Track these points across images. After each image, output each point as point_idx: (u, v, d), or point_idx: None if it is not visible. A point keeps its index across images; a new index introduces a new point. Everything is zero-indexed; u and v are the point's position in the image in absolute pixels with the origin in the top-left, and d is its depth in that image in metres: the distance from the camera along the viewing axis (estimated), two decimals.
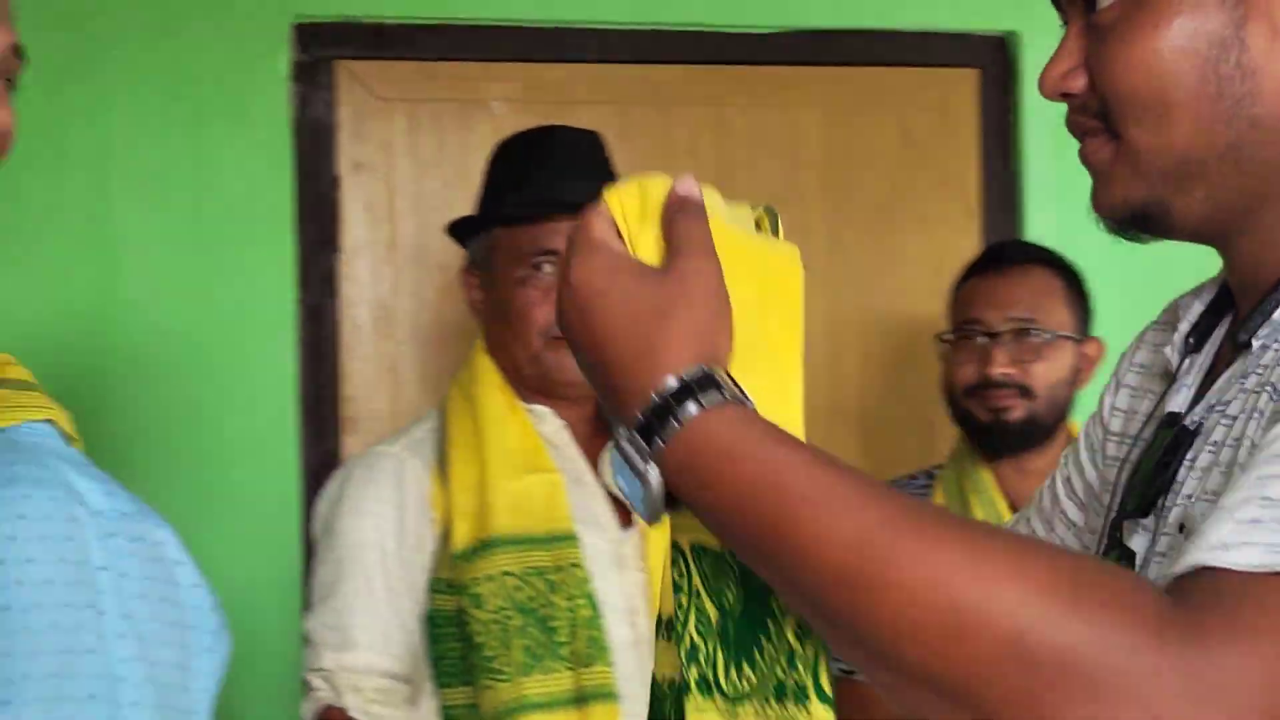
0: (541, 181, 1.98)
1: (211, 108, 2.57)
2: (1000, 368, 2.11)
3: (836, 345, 2.81)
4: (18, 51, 1.04)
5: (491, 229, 2.00)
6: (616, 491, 1.81)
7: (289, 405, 2.62)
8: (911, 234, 2.82)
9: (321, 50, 2.63)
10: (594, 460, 1.99)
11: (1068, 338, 2.15)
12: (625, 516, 1.97)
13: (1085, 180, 2.67)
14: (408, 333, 2.70)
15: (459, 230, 2.09)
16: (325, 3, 2.62)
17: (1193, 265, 2.65)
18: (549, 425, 1.99)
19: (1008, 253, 2.29)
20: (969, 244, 2.80)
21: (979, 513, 2.14)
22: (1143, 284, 2.79)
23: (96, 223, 2.56)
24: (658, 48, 2.71)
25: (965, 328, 2.17)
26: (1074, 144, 2.61)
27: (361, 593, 1.89)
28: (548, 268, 1.94)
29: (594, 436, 2.01)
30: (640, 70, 2.73)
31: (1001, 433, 2.13)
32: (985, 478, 2.17)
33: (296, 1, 2.60)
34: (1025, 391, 2.12)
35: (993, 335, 2.13)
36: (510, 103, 2.70)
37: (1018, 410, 2.12)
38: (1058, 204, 2.80)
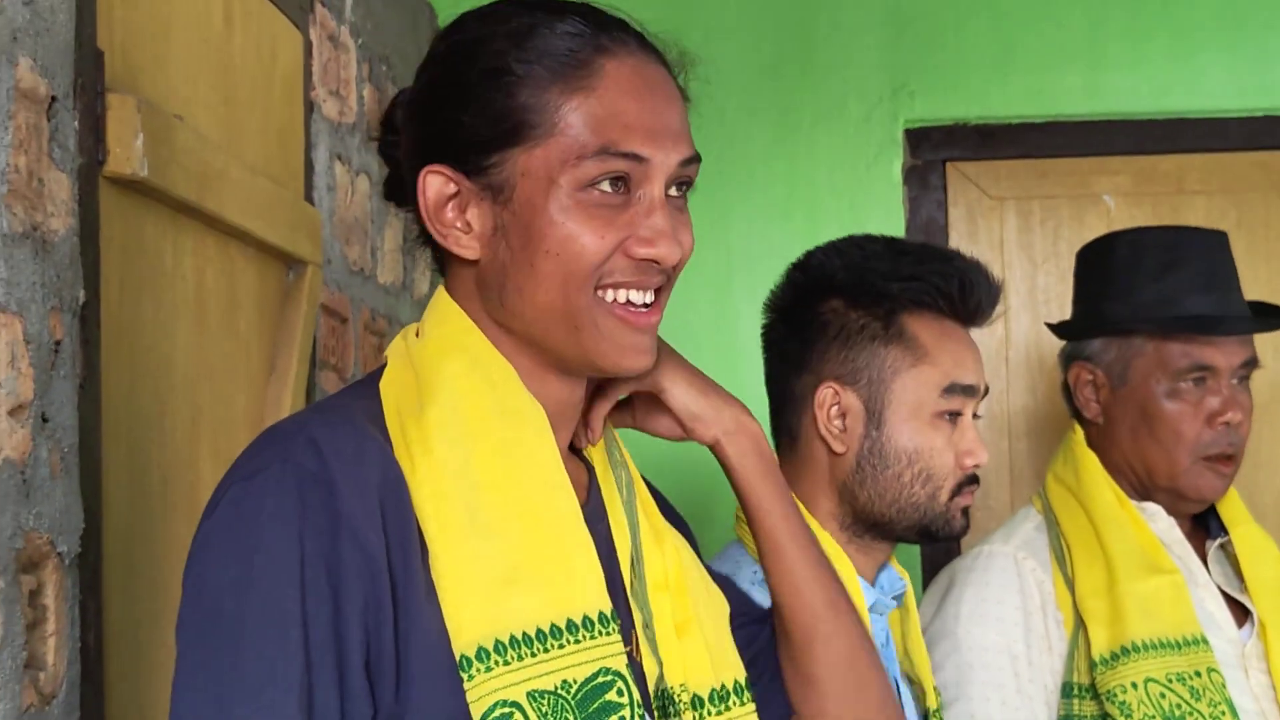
0: (1194, 294, 2.39)
1: (827, 213, 3.29)
2: None
3: None
4: (691, 160, 1.35)
5: (1131, 335, 2.41)
6: (1229, 589, 2.34)
7: None
8: None
9: (932, 153, 3.34)
10: (1203, 558, 2.42)
11: None
12: (1241, 616, 2.39)
13: None
14: (1023, 428, 3.35)
15: (1077, 328, 2.52)
16: (935, 107, 3.32)
17: None
18: (1161, 523, 2.41)
19: None
20: None
21: None
22: None
23: (719, 331, 3.30)
24: (1274, 134, 3.30)
25: None
26: None
27: (993, 699, 2.29)
28: (1199, 381, 2.36)
29: (1195, 534, 2.45)
30: (1256, 157, 3.32)
31: None
32: None
33: (907, 107, 3.30)
34: None
35: None
36: (1122, 196, 3.37)
37: None
38: None
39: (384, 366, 1.36)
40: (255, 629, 1.18)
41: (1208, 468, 2.38)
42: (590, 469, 1.45)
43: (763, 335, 2.07)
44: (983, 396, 1.99)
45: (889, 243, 2.02)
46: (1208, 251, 2.46)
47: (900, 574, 2.04)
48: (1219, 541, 2.46)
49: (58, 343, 1.47)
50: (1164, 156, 3.34)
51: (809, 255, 2.03)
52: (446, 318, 1.35)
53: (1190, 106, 3.31)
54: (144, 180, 1.62)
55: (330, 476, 1.21)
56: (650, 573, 1.42)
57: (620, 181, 1.31)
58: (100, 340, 1.56)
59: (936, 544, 2.02)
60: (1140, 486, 2.42)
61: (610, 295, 1.32)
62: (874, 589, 1.95)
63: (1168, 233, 2.57)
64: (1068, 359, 2.51)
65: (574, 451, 1.45)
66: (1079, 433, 2.47)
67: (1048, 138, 3.33)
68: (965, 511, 1.97)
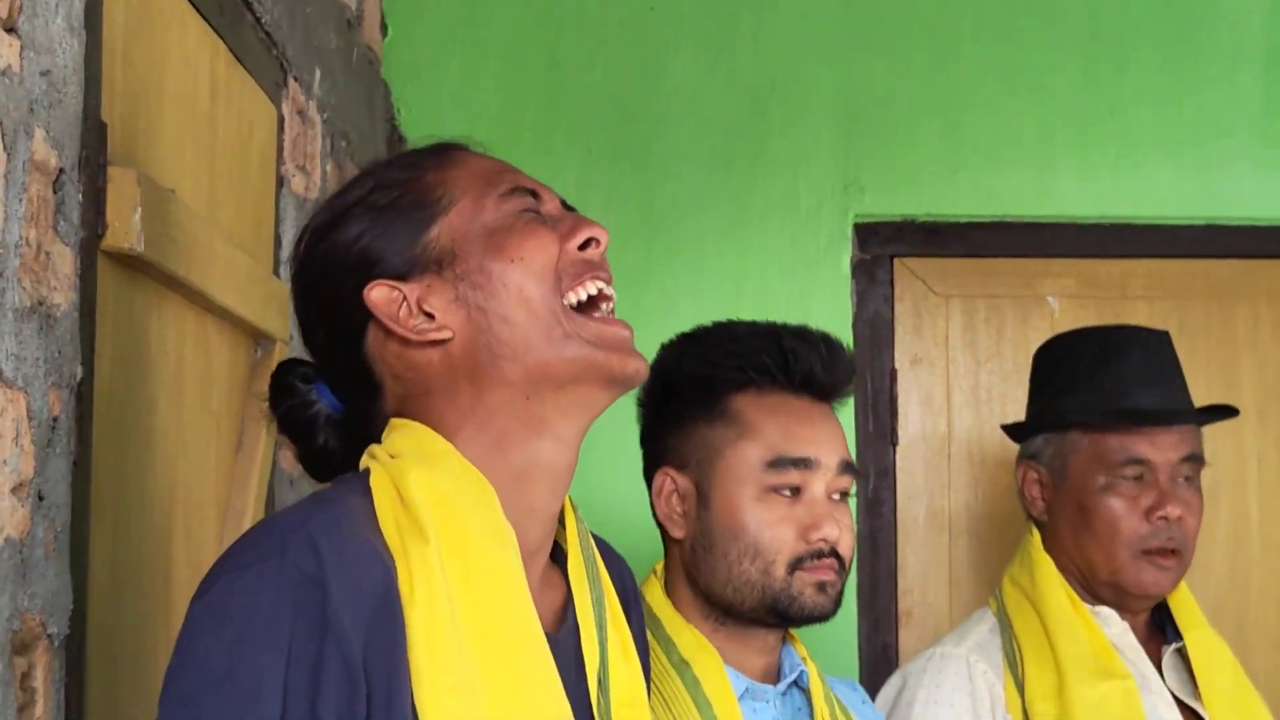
0: (1133, 388, 2.44)
1: (776, 304, 3.29)
2: None
3: None
4: (566, 206, 1.47)
5: (1068, 431, 2.47)
6: (1184, 696, 2.38)
7: (850, 596, 3.30)
8: None
9: (880, 248, 3.38)
10: (1157, 663, 2.44)
11: None
12: None
13: None
14: (963, 526, 3.38)
15: (1025, 427, 2.56)
16: (884, 203, 3.36)
17: None
18: (1114, 628, 2.42)
19: None
20: None
21: None
22: None
23: None
24: (1216, 242, 3.38)
25: None
26: None
27: None
28: (1136, 477, 2.40)
29: (1150, 639, 2.47)
30: (1198, 264, 3.40)
31: None
32: None
33: (857, 202, 3.34)
34: None
35: None
36: (1066, 298, 3.43)
37: None
38: None
39: (366, 471, 1.37)
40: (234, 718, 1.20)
41: (1148, 561, 2.40)
42: (568, 580, 1.46)
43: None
44: (843, 471, 1.99)
45: (726, 326, 2.06)
46: (1147, 347, 2.51)
47: (802, 657, 2.05)
48: (1174, 647, 2.49)
49: (55, 419, 1.46)
50: (1109, 261, 3.41)
51: (660, 349, 2.06)
52: (413, 436, 1.38)
53: (1136, 213, 3.38)
54: (139, 255, 1.61)
55: (324, 580, 1.23)
56: (616, 691, 1.43)
57: (531, 203, 1.42)
58: (94, 418, 1.55)
59: (799, 625, 2.00)
60: (1086, 585, 2.44)
61: (572, 297, 1.39)
62: (745, 678, 1.96)
63: (1109, 331, 2.62)
64: (1018, 459, 2.54)
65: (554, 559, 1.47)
66: (1036, 535, 2.50)
67: (994, 237, 3.39)
68: (822, 587, 1.95)
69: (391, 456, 1.36)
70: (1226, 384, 3.38)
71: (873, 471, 3.34)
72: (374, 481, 1.34)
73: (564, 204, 1.46)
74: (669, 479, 1.99)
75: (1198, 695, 2.45)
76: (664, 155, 3.35)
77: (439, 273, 1.39)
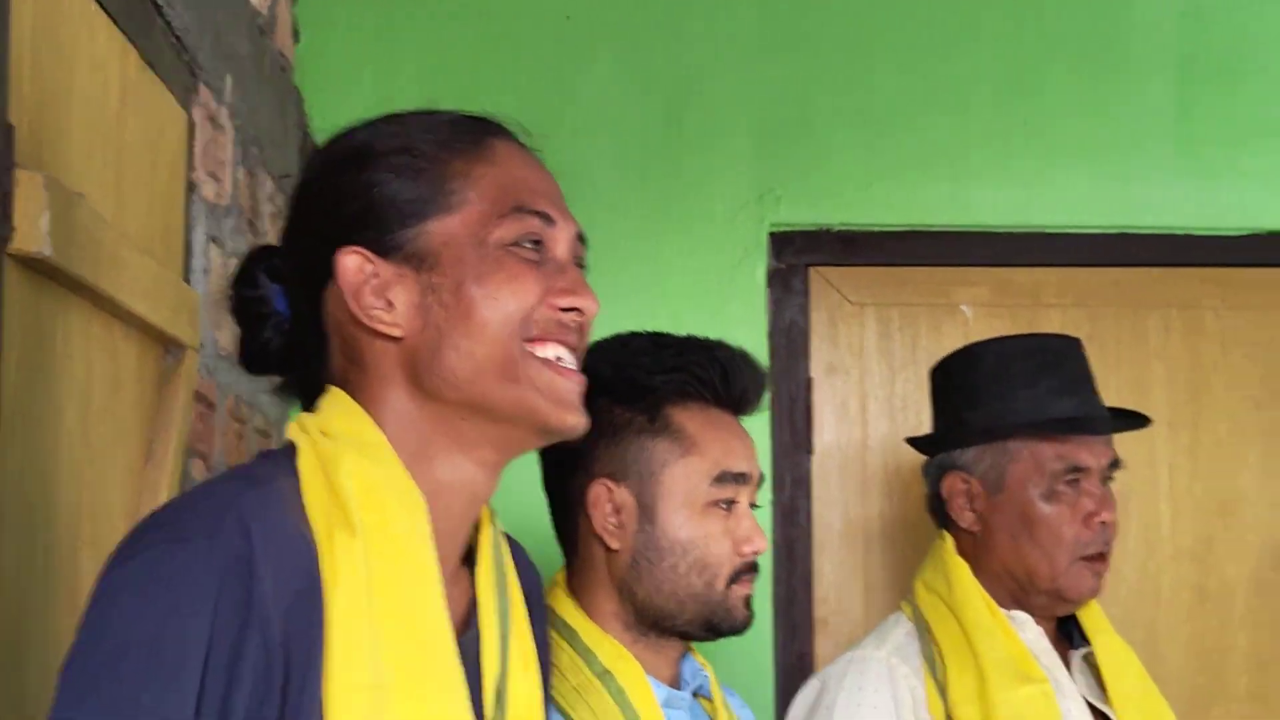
0: (1061, 397, 2.48)
1: (692, 314, 3.31)
2: None
3: None
4: (581, 238, 1.48)
5: (1003, 440, 2.47)
6: (1093, 699, 2.42)
7: (765, 605, 3.32)
8: None
9: (796, 257, 3.39)
10: (1068, 667, 2.48)
11: None
12: None
13: None
14: (878, 535, 3.40)
15: (938, 439, 2.59)
16: (800, 212, 3.38)
17: None
18: (1030, 632, 2.46)
19: None
20: None
21: None
22: None
23: None
24: (1128, 250, 3.43)
25: None
26: None
27: None
28: (1074, 484, 2.44)
29: (1059, 643, 2.52)
30: (1110, 273, 3.44)
31: None
32: None
33: (772, 212, 3.37)
34: None
35: None
36: (980, 306, 3.46)
37: None
38: None
39: (293, 446, 1.37)
40: (154, 689, 1.20)
41: (1085, 567, 2.45)
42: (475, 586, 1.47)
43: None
44: (758, 484, 2.08)
45: (651, 337, 2.10)
46: (1070, 357, 2.56)
47: (702, 665, 2.10)
48: (1083, 652, 2.52)
49: None
50: (1022, 269, 3.44)
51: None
52: (350, 420, 1.38)
53: (1049, 221, 3.42)
54: (47, 259, 1.60)
55: (253, 562, 1.24)
56: (514, 702, 1.44)
57: (536, 243, 1.40)
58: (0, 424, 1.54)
59: (721, 637, 2.04)
60: (1019, 591, 2.47)
61: (540, 351, 1.38)
62: (664, 687, 2.00)
63: (1030, 340, 2.64)
64: (938, 470, 2.55)
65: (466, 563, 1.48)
66: (948, 541, 2.53)
67: (909, 246, 3.42)
68: (747, 602, 2.04)
69: (324, 434, 1.36)
70: (1138, 391, 3.42)
71: (789, 480, 3.36)
72: (302, 464, 1.34)
73: (580, 238, 1.48)
74: (606, 490, 2.00)
75: (1106, 698, 2.48)
76: (580, 165, 3.35)
77: (416, 269, 1.39)
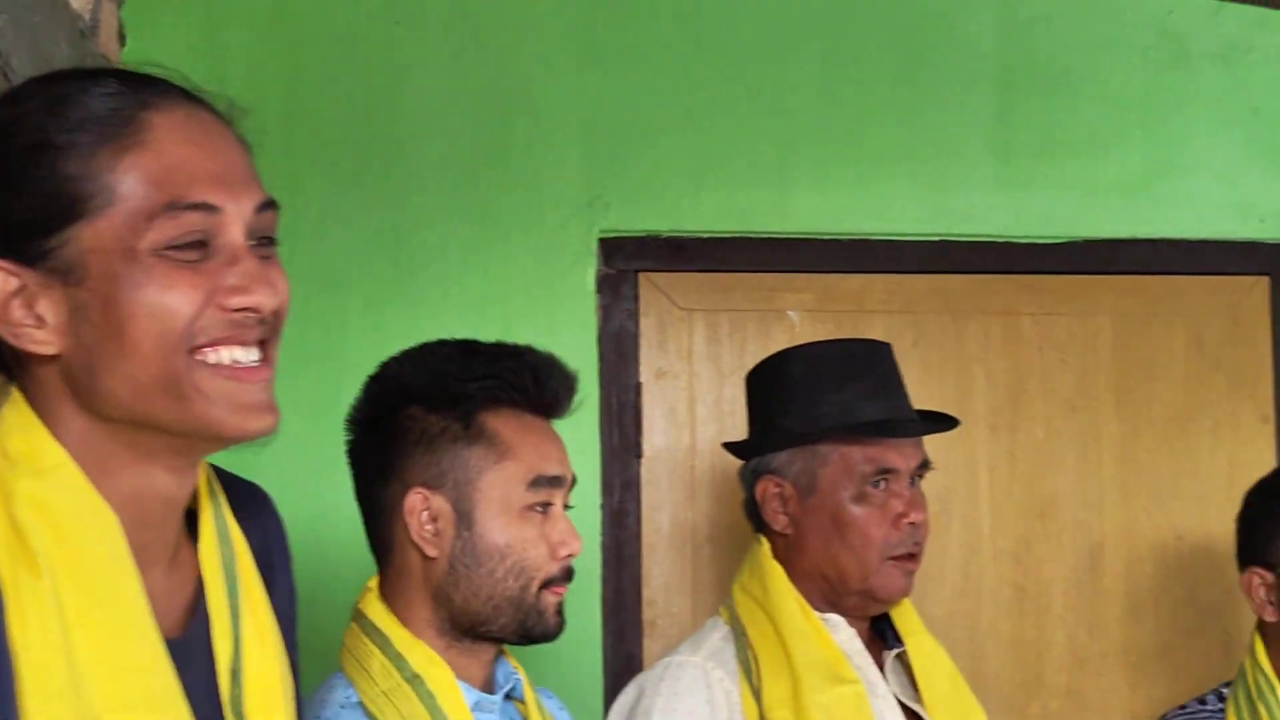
0: (872, 400, 2.54)
1: (521, 319, 3.34)
2: None
3: (1131, 554, 3.56)
4: (266, 206, 1.30)
5: (814, 444, 2.51)
6: (905, 698, 2.48)
7: (594, 607, 3.36)
8: (1204, 442, 3.61)
9: (625, 263, 3.43)
10: (881, 668, 2.54)
11: None
12: None
13: None
14: (706, 537, 3.46)
15: (754, 444, 2.62)
16: (629, 218, 3.42)
17: None
18: (842, 634, 2.47)
19: None
20: (1263, 453, 3.58)
21: None
22: None
23: None
24: (949, 258, 3.52)
25: None
26: None
27: None
28: (883, 486, 2.49)
29: (873, 643, 2.57)
30: (932, 280, 3.53)
31: None
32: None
33: (602, 217, 3.41)
34: None
35: None
36: (806, 312, 3.53)
37: None
38: None
39: None
40: None
41: (895, 566, 2.50)
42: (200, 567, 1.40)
43: (347, 451, 2.13)
44: (571, 486, 2.12)
45: (460, 345, 2.13)
46: (878, 362, 2.62)
47: (515, 668, 2.14)
48: (895, 652, 2.57)
49: None
50: (847, 276, 3.51)
51: (384, 366, 2.12)
52: (28, 438, 1.27)
53: (873, 229, 3.50)
54: None
55: None
56: (250, 679, 1.37)
57: (197, 243, 1.25)
58: None
59: (534, 643, 2.08)
60: (831, 593, 2.52)
61: (212, 358, 1.26)
62: (475, 690, 2.04)
63: (840, 345, 2.71)
64: (753, 474, 2.59)
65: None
66: (765, 545, 2.57)
67: (737, 253, 3.47)
68: (558, 609, 2.08)
69: (3, 457, 1.25)
70: (959, 396, 3.51)
71: (618, 484, 3.40)
72: None
73: (263, 206, 1.31)
74: (422, 498, 2.02)
75: (919, 698, 2.54)
76: (409, 170, 3.38)
77: (62, 282, 1.24)
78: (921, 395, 3.35)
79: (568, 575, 2.09)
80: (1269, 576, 2.69)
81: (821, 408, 2.54)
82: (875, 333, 3.42)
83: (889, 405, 2.57)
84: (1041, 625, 3.52)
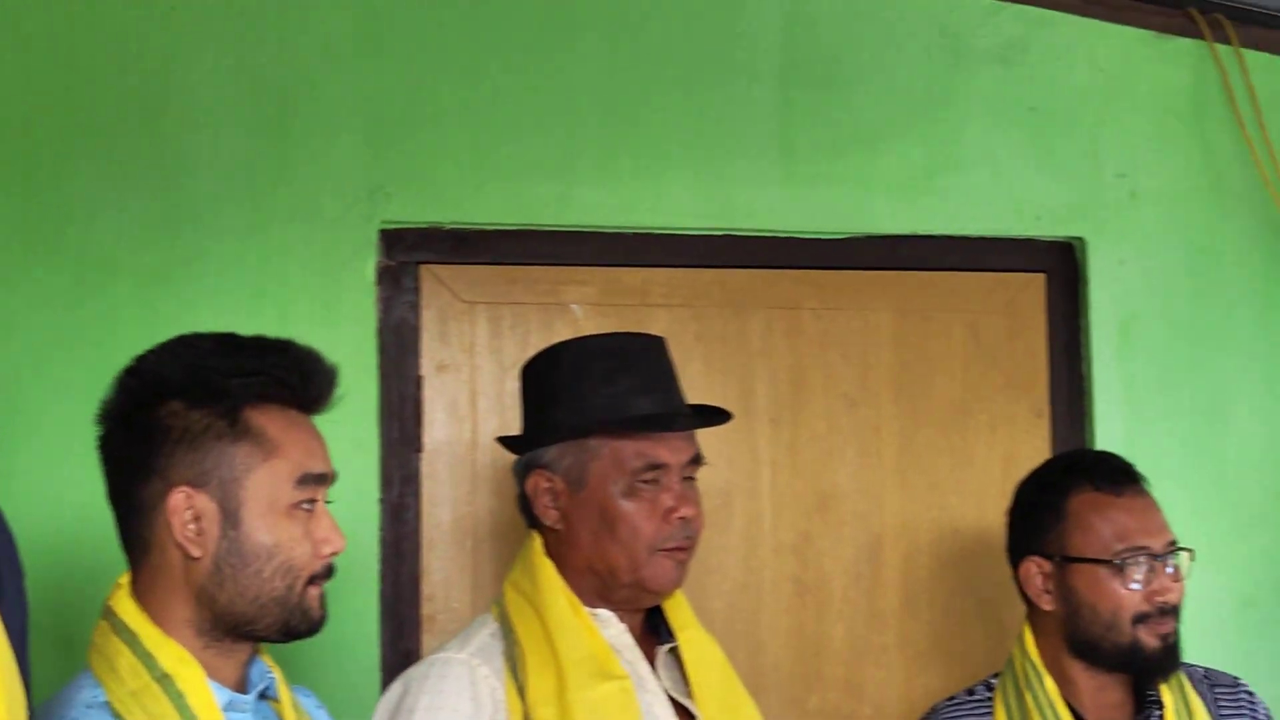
0: (642, 394, 2.52)
1: (299, 312, 3.27)
2: (1173, 596, 2.64)
3: (910, 547, 3.61)
4: None
5: (584, 438, 2.51)
6: (676, 694, 2.48)
7: (372, 604, 3.31)
8: (981, 436, 3.66)
9: (406, 255, 3.40)
10: (652, 663, 2.54)
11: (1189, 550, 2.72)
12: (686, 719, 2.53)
13: (1147, 379, 3.67)
14: (487, 532, 3.43)
15: (526, 438, 2.59)
16: (411, 209, 3.38)
17: (1256, 478, 3.53)
18: (613, 629, 2.46)
19: (1122, 469, 2.80)
20: (1038, 447, 3.65)
21: (1035, 717, 2.69)
22: (1211, 488, 3.69)
23: None
24: (732, 252, 3.53)
25: (1130, 553, 2.65)
26: (1138, 344, 3.61)
27: None
28: (653, 480, 2.48)
29: (646, 639, 2.57)
30: (715, 274, 3.53)
31: (1169, 659, 2.67)
32: (1050, 689, 2.71)
33: (383, 208, 3.36)
34: (1178, 612, 2.68)
35: (1155, 559, 2.65)
36: (590, 305, 3.52)
37: (1175, 633, 2.68)
38: (1125, 407, 3.67)
39: None
40: None
41: (666, 557, 2.49)
42: None
43: (100, 446, 2.07)
44: (331, 483, 2.08)
45: (218, 338, 2.07)
46: (650, 355, 2.60)
47: (270, 667, 2.11)
48: (668, 646, 2.57)
49: None
50: (630, 269, 3.51)
51: (140, 360, 2.06)
52: None
53: (655, 223, 3.50)
54: None
55: None
56: None
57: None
58: None
59: (296, 640, 2.06)
60: (603, 587, 2.51)
61: None
62: (228, 690, 2.01)
63: (612, 339, 2.68)
64: (524, 469, 2.58)
65: None
66: (536, 540, 2.55)
67: (519, 245, 3.45)
68: (322, 601, 2.04)
69: None
70: (741, 390, 3.53)
71: (397, 478, 3.37)
72: None
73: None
74: (185, 496, 1.97)
75: (690, 693, 2.54)
76: (184, 155, 3.31)
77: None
78: (704, 389, 3.39)
79: (329, 572, 2.05)
80: (1046, 565, 2.75)
81: (592, 401, 2.52)
82: (658, 326, 3.43)
83: (660, 399, 2.57)
84: (821, 618, 3.55)
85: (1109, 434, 3.64)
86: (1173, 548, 2.73)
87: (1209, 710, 2.79)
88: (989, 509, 3.59)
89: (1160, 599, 2.68)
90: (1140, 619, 2.68)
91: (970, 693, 2.88)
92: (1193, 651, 2.85)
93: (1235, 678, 2.89)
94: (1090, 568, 2.70)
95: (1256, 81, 3.77)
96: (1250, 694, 2.87)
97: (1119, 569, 2.68)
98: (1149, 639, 2.68)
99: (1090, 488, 2.75)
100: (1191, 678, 2.83)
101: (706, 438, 3.38)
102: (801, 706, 3.52)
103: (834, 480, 3.58)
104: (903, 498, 3.60)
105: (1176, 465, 3.68)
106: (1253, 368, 3.76)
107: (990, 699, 2.83)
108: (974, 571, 3.58)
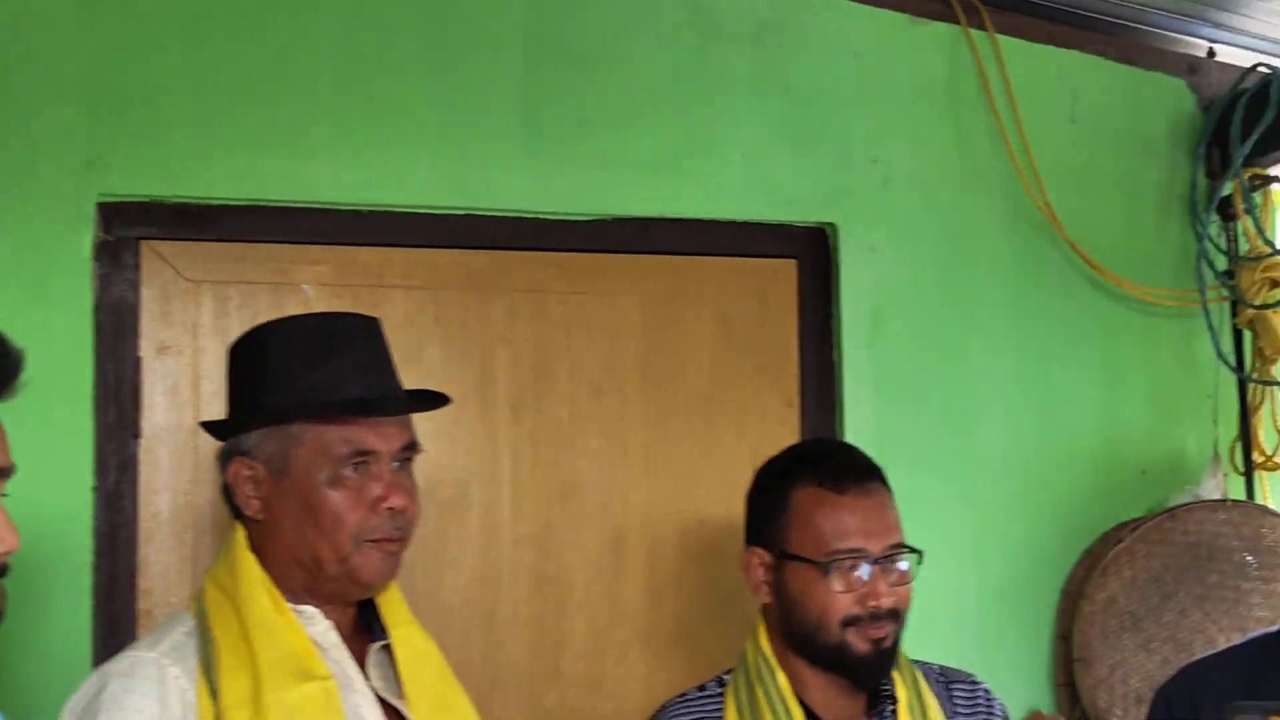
0: (352, 378, 2.37)
1: (9, 287, 3.07)
2: (887, 601, 2.53)
3: (654, 539, 3.51)
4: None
5: (287, 423, 2.36)
6: (386, 693, 2.36)
7: (84, 598, 3.12)
8: (730, 425, 3.58)
9: (126, 230, 3.21)
10: (361, 661, 2.40)
11: (917, 551, 2.62)
12: None
13: (899, 368, 3.62)
14: (209, 522, 3.26)
15: (230, 423, 2.45)
16: (131, 182, 3.19)
17: (1006, 469, 3.50)
18: (318, 626, 2.37)
19: (852, 465, 2.67)
20: (788, 436, 3.57)
21: (766, 713, 2.59)
22: (961, 479, 3.66)
23: None
24: (474, 232, 3.40)
25: (842, 555, 2.54)
26: (889, 332, 3.55)
27: None
28: (361, 468, 2.33)
29: (356, 636, 2.44)
30: (456, 255, 3.40)
31: (878, 663, 2.57)
32: (781, 683, 2.62)
33: (101, 180, 3.17)
34: (897, 616, 2.58)
35: (872, 563, 2.54)
36: (323, 285, 3.36)
37: (891, 637, 2.57)
38: (875, 396, 3.61)
39: None
40: None
41: (374, 548, 2.35)
42: None
43: None
44: (9, 476, 1.98)
45: None
46: (362, 337, 2.45)
47: None
48: (380, 644, 2.44)
49: None
50: (366, 249, 3.37)
51: None
52: None
53: (394, 200, 3.36)
54: None
55: None
56: None
57: None
58: None
59: None
60: (310, 581, 2.37)
61: None
62: None
63: (321, 319, 2.51)
64: (226, 456, 2.44)
65: None
66: (240, 532, 2.41)
67: (248, 221, 3.30)
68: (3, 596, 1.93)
69: None
70: (482, 376, 3.41)
71: (113, 465, 3.20)
72: None
73: None
74: None
75: (402, 692, 2.41)
76: None
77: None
78: (442, 375, 3.26)
79: (3, 570, 1.94)
80: (767, 557, 2.66)
81: (297, 384, 2.37)
82: (394, 308, 3.31)
83: (371, 383, 2.42)
84: (562, 612, 3.45)
85: (859, 424, 3.59)
86: (895, 551, 2.63)
87: (943, 707, 2.72)
88: (736, 500, 3.47)
89: (873, 603, 2.59)
90: (850, 622, 2.59)
91: (702, 689, 2.78)
92: (942, 642, 2.81)
93: (972, 675, 2.83)
94: (803, 566, 2.62)
95: (1011, 69, 3.74)
96: (987, 692, 2.82)
97: (825, 570, 2.59)
98: (858, 642, 2.60)
99: (814, 483, 2.65)
100: (927, 675, 2.76)
101: (444, 426, 3.30)
102: (539, 704, 3.41)
103: (577, 470, 3.47)
104: (648, 488, 3.51)
105: (927, 456, 3.65)
106: (1003, 358, 3.74)
107: (721, 694, 2.73)
108: (720, 564, 3.50)
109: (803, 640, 2.64)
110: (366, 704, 2.37)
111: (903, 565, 2.62)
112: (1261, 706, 1.06)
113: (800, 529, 2.64)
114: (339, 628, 2.40)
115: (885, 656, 2.61)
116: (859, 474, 2.67)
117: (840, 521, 2.61)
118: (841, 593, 2.59)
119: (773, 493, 2.72)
